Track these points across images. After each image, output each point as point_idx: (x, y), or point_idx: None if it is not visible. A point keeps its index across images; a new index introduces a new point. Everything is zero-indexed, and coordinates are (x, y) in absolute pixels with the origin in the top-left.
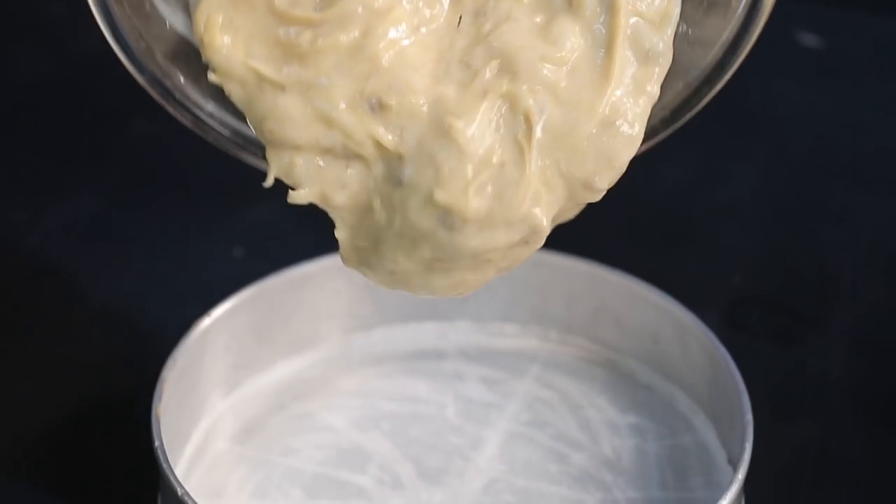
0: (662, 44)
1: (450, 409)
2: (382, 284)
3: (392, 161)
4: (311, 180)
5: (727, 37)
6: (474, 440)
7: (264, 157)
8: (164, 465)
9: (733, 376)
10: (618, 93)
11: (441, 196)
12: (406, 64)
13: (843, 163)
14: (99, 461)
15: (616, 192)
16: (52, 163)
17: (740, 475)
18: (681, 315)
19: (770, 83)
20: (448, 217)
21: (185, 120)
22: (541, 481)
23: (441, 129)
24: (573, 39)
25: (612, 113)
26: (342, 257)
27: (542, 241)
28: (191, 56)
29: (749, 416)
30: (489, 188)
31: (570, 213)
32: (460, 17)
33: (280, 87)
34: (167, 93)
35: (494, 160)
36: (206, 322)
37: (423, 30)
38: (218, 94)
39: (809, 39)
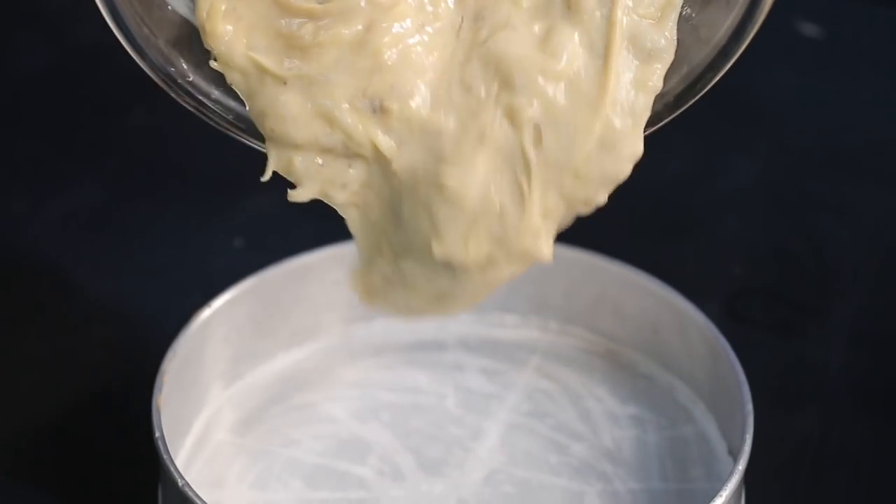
0: (664, 40)
1: (450, 399)
2: (400, 317)
3: (388, 171)
4: (310, 178)
5: (732, 21)
6: (474, 431)
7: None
8: (165, 457)
9: (733, 367)
10: (617, 107)
11: (439, 250)
12: (410, 65)
13: (844, 154)
14: (99, 452)
15: None
16: (52, 154)
17: (741, 466)
18: (681, 306)
19: (770, 73)
20: (449, 265)
21: (187, 105)
22: (541, 472)
23: (435, 181)
24: (572, 49)
25: (610, 133)
26: (360, 297)
27: None
28: (193, 42)
29: (749, 407)
30: (488, 235)
31: (567, 223)
32: (462, 19)
33: (281, 81)
34: (169, 79)
35: (492, 208)
36: (206, 313)
37: (428, 29)
38: (221, 80)
39: (810, 29)
